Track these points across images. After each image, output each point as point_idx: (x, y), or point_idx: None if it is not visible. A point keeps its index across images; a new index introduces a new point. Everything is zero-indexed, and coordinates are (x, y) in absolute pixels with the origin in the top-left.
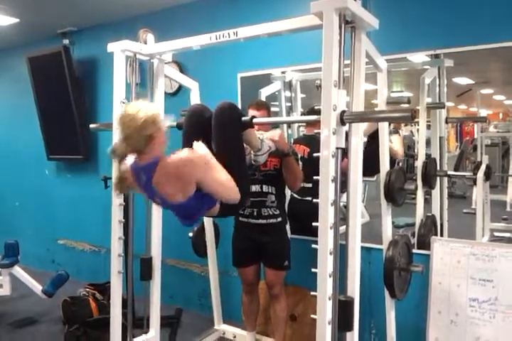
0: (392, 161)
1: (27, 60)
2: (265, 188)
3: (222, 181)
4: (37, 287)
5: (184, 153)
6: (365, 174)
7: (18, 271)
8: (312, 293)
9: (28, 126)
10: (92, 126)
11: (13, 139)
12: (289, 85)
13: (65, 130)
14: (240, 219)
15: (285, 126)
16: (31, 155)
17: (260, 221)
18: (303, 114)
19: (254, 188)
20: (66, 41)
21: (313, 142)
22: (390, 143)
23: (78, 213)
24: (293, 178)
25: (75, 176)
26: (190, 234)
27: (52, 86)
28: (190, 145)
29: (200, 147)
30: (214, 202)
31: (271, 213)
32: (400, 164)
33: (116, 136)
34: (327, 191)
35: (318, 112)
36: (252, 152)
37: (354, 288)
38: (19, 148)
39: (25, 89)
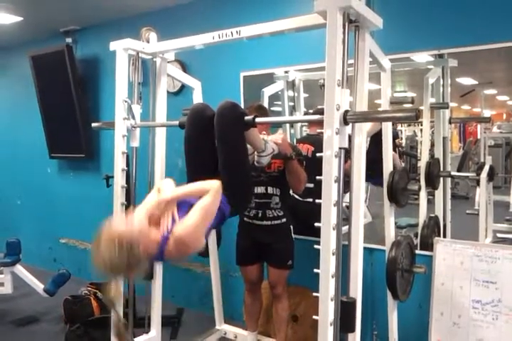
0: None
1: (30, 58)
2: (270, 190)
3: (205, 213)
4: (38, 286)
5: (173, 235)
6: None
7: (19, 269)
8: (314, 294)
9: (31, 125)
10: (94, 124)
11: (16, 137)
12: (292, 85)
13: (67, 128)
14: (245, 219)
15: (288, 125)
16: (33, 153)
17: (265, 222)
18: (306, 113)
19: (259, 190)
20: (69, 40)
21: (317, 141)
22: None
23: (80, 212)
24: (296, 181)
25: (77, 175)
26: None
27: (55, 84)
28: (193, 147)
29: (166, 187)
30: (223, 213)
31: (275, 215)
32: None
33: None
34: (330, 191)
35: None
36: (255, 153)
37: (356, 289)
38: (21, 146)
39: (28, 88)
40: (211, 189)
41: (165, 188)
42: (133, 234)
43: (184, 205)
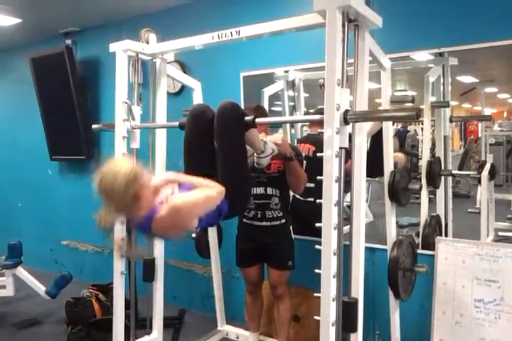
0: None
1: (30, 60)
2: (269, 191)
3: (206, 198)
4: (40, 288)
5: (168, 201)
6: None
7: (21, 271)
8: (316, 294)
9: (31, 126)
10: (94, 126)
11: (16, 139)
12: (292, 84)
13: (67, 130)
14: (244, 220)
15: (288, 125)
16: (34, 155)
17: (264, 223)
18: (306, 113)
19: (259, 190)
20: (69, 41)
21: (318, 141)
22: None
23: (81, 214)
24: (296, 182)
25: (77, 176)
26: (193, 235)
27: (55, 86)
28: (193, 148)
29: (161, 175)
30: (223, 209)
31: (275, 215)
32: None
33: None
34: (330, 191)
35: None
36: (255, 154)
37: (358, 289)
38: (22, 148)
39: (28, 90)
40: (217, 187)
41: (162, 176)
42: (139, 175)
43: (185, 188)
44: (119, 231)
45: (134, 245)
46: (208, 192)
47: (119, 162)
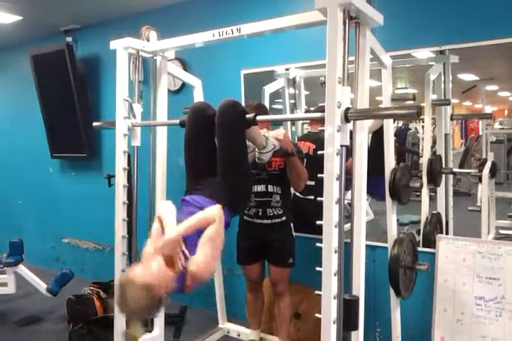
0: None
1: (30, 57)
2: (270, 188)
3: (214, 245)
4: (41, 285)
5: (193, 269)
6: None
7: (22, 269)
8: (317, 292)
9: (32, 124)
10: (95, 124)
11: (17, 137)
12: (292, 82)
13: (68, 128)
14: (245, 218)
15: (289, 123)
16: (35, 153)
17: (265, 221)
18: (307, 111)
19: (260, 188)
20: (69, 39)
21: (319, 139)
22: None
23: (82, 211)
24: (297, 178)
25: (78, 174)
26: None
27: (56, 83)
28: (193, 146)
29: (167, 214)
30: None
31: (276, 213)
32: None
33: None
34: (331, 189)
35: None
36: (256, 149)
37: (359, 287)
38: (23, 146)
39: (28, 87)
40: (214, 217)
41: (166, 216)
42: (152, 279)
43: (192, 236)
44: (121, 229)
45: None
46: (212, 234)
47: (131, 282)
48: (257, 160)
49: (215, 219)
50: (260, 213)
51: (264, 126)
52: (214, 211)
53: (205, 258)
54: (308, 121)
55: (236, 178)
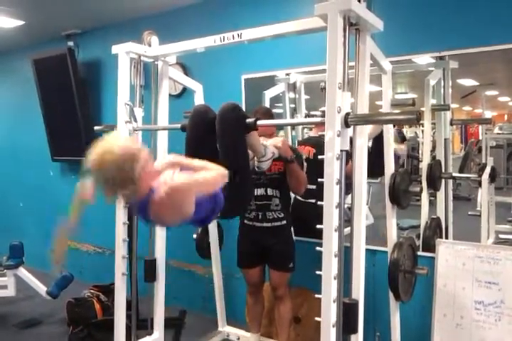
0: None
1: (32, 62)
2: (270, 192)
3: (207, 181)
4: (41, 288)
5: (165, 181)
6: (369, 176)
7: (22, 272)
8: (316, 296)
9: (33, 127)
10: (96, 127)
11: (18, 140)
12: (293, 87)
13: (69, 131)
14: (245, 221)
15: (289, 127)
16: (36, 156)
17: (265, 224)
18: (307, 115)
19: (259, 192)
20: (71, 43)
21: (319, 143)
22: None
23: (82, 214)
24: (296, 184)
25: (79, 177)
26: (194, 236)
27: (57, 88)
28: (194, 150)
29: (164, 159)
30: (218, 202)
31: (275, 216)
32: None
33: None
34: (331, 193)
35: None
36: (255, 158)
37: (359, 291)
38: (24, 149)
39: (30, 91)
40: (218, 169)
41: (166, 158)
42: (139, 154)
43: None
44: (121, 228)
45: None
46: (209, 174)
47: (119, 138)
48: (256, 168)
49: (217, 170)
50: (260, 216)
51: (270, 133)
52: (222, 168)
53: (193, 179)
54: (308, 126)
55: (237, 182)
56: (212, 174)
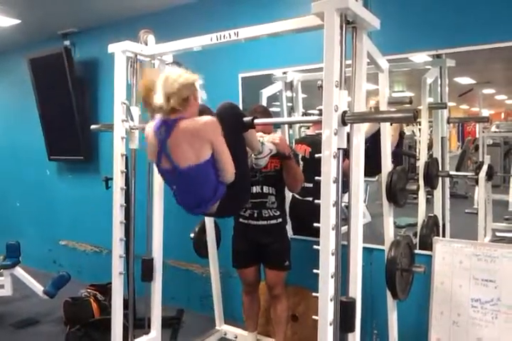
0: None
1: (28, 61)
2: (266, 189)
3: (229, 156)
4: (38, 288)
5: (205, 117)
6: (365, 174)
7: (19, 271)
8: (314, 294)
9: (29, 127)
10: (93, 126)
11: (15, 140)
12: (290, 85)
13: (66, 131)
14: (240, 220)
15: (286, 126)
16: (32, 155)
17: (261, 222)
18: (304, 114)
19: (255, 189)
20: (67, 42)
21: (315, 142)
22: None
23: (79, 214)
24: (293, 180)
25: (76, 177)
26: (192, 235)
27: (54, 87)
28: None
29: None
30: (222, 185)
31: (271, 214)
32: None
33: (155, 95)
34: (329, 192)
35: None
36: (252, 155)
37: (356, 289)
38: (20, 148)
39: (26, 91)
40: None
41: None
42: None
43: None
44: (118, 227)
45: None
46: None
47: (187, 72)
48: (253, 165)
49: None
50: (256, 214)
51: (268, 128)
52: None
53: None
54: (305, 125)
55: (236, 179)
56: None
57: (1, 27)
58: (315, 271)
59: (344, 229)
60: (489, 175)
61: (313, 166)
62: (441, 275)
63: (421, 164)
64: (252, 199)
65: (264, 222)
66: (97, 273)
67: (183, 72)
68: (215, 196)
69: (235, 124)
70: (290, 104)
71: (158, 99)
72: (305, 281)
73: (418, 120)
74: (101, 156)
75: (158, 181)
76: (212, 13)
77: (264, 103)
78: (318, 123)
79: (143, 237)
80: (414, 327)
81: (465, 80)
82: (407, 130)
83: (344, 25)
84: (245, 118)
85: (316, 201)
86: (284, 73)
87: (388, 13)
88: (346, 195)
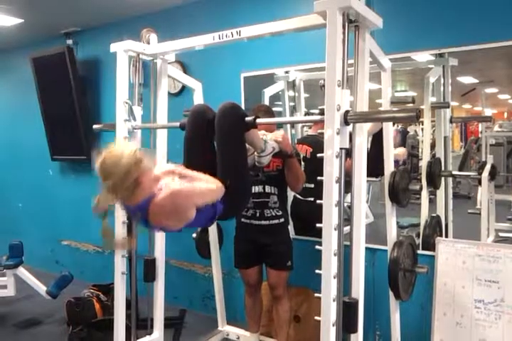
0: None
1: (31, 60)
2: (268, 189)
3: (206, 189)
4: (41, 288)
5: (167, 187)
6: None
7: (22, 271)
8: (316, 295)
9: (32, 127)
10: (95, 126)
11: (17, 140)
12: (292, 85)
13: (68, 130)
14: (242, 220)
15: (288, 126)
16: (35, 155)
17: (263, 222)
18: (306, 113)
19: (257, 189)
20: (70, 41)
21: (316, 142)
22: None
23: (82, 214)
24: (295, 179)
25: (78, 176)
26: (194, 235)
27: (56, 86)
28: (193, 149)
29: (163, 166)
30: (218, 210)
31: (273, 214)
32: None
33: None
34: (331, 192)
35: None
36: (255, 153)
37: (358, 290)
38: (23, 148)
39: (29, 90)
40: (217, 182)
41: (163, 167)
42: (141, 159)
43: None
44: (121, 227)
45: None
46: (208, 185)
47: (123, 145)
48: (256, 163)
49: (213, 183)
50: (258, 214)
51: (270, 128)
52: (217, 181)
53: (191, 185)
54: (307, 124)
55: (235, 181)
56: (211, 186)
57: (4, 26)
58: (317, 271)
59: (347, 229)
60: (492, 175)
61: (314, 166)
62: (444, 276)
63: (424, 164)
64: (254, 198)
65: (266, 222)
66: (99, 273)
67: (122, 147)
68: (215, 214)
69: (236, 125)
70: (292, 104)
71: (102, 194)
72: (307, 282)
73: (421, 120)
74: None
75: None
76: (214, 12)
77: (266, 102)
78: (319, 123)
79: (145, 237)
80: (417, 328)
81: (468, 79)
82: (410, 130)
83: (347, 24)
84: (247, 118)
85: (318, 201)
86: (286, 72)
87: (391, 12)
88: (349, 195)
